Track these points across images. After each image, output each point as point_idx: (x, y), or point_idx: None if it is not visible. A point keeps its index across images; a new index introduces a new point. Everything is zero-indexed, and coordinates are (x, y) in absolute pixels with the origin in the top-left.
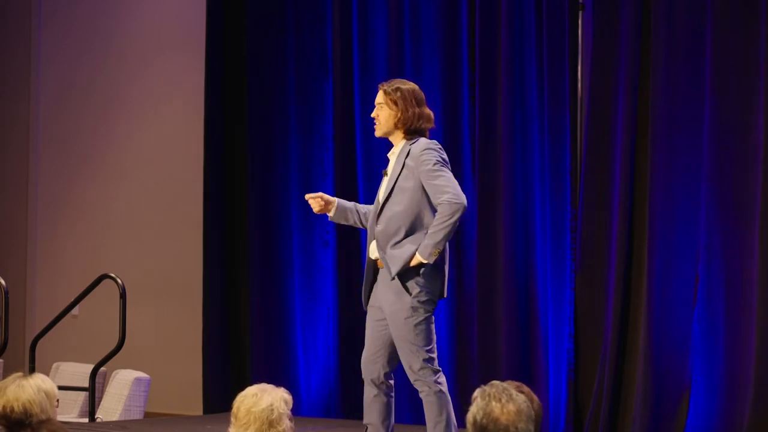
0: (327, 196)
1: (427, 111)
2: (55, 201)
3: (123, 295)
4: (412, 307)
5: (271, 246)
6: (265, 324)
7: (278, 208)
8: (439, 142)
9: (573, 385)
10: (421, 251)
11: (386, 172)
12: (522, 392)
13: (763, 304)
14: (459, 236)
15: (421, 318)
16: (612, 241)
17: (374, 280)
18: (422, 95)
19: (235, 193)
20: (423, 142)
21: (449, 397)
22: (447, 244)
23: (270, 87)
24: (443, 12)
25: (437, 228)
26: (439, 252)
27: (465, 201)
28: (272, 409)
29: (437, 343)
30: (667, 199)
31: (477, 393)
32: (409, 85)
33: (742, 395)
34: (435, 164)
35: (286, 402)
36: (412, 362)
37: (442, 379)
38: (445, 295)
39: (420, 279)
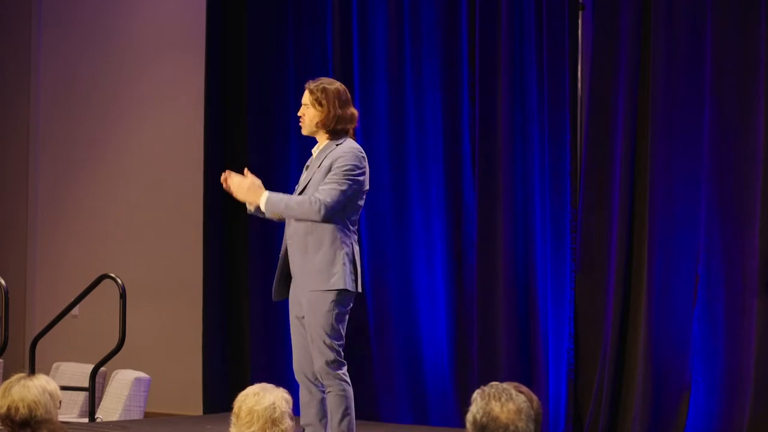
0: (248, 180)
1: (351, 111)
2: (55, 201)
3: (123, 295)
4: (334, 301)
5: (272, 246)
6: (265, 324)
7: None
8: (439, 144)
9: (573, 385)
10: (270, 201)
11: (307, 166)
12: (521, 392)
13: (763, 304)
14: (459, 236)
15: (341, 311)
16: (612, 241)
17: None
18: (348, 96)
19: None
20: (350, 145)
21: (352, 390)
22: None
23: (270, 87)
24: (443, 12)
25: (293, 203)
26: (273, 213)
27: (324, 220)
28: (274, 408)
29: (439, 343)
30: (667, 199)
31: (476, 394)
32: (335, 85)
33: (742, 395)
34: (346, 170)
35: (287, 401)
36: (327, 355)
37: (346, 370)
38: (360, 290)
39: (344, 274)
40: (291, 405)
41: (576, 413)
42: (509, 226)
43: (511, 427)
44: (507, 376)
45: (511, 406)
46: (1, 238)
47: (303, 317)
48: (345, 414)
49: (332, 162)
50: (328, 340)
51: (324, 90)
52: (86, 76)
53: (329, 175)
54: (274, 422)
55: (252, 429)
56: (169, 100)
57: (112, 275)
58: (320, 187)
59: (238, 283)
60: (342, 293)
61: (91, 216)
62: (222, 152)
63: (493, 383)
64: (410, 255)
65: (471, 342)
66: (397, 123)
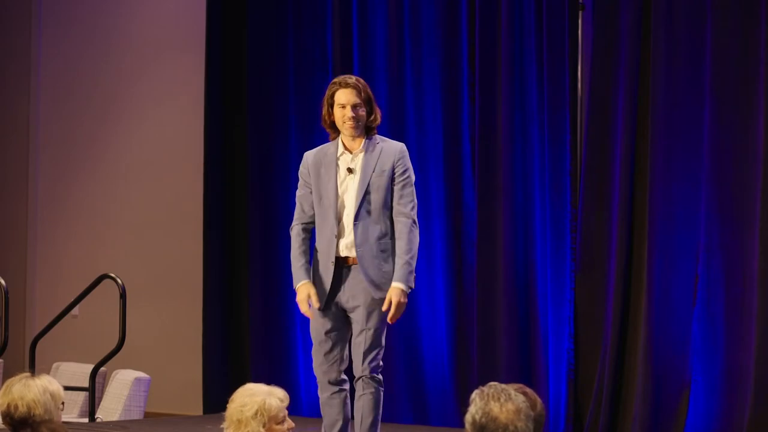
0: (312, 299)
1: None
2: (55, 201)
3: (123, 295)
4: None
5: (271, 246)
6: (265, 324)
7: (278, 208)
8: (439, 144)
9: (573, 385)
10: (406, 282)
11: (352, 169)
12: (525, 393)
13: (763, 304)
14: (459, 236)
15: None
16: (612, 241)
17: (336, 278)
18: None
19: (235, 193)
20: (395, 143)
21: None
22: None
23: (270, 87)
24: (443, 12)
25: (411, 257)
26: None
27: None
28: (242, 410)
29: (439, 343)
30: (667, 199)
31: (475, 394)
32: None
33: (741, 395)
34: (409, 172)
35: (265, 407)
36: (375, 356)
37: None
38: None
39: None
40: (274, 411)
41: (576, 413)
42: (509, 226)
43: (510, 427)
44: (507, 376)
45: (510, 406)
46: (1, 238)
47: (339, 328)
48: (377, 418)
49: (393, 165)
50: (380, 343)
51: (366, 86)
52: (86, 76)
53: (402, 180)
54: (237, 423)
55: (222, 425)
56: (169, 100)
57: (112, 275)
58: (402, 200)
59: (238, 283)
60: None
61: (91, 216)
62: (222, 152)
63: (492, 383)
64: None
65: (471, 342)
66: (397, 123)
